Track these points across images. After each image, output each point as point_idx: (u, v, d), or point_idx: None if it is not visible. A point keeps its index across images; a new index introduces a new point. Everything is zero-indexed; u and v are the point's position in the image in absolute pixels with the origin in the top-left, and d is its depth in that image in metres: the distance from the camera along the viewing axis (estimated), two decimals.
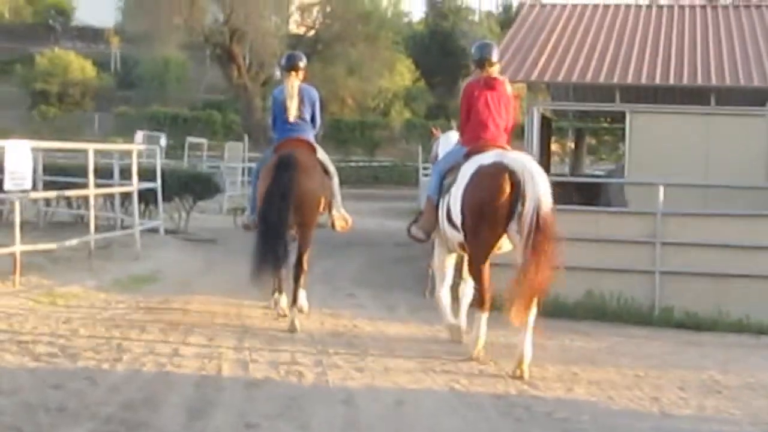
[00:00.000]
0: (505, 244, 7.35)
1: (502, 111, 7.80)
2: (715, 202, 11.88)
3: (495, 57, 8.00)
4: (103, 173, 13.31)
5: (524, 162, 7.09)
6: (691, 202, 11.56)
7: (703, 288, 10.55)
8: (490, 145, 7.59)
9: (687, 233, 10.67)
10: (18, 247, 9.68)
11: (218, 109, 43.65)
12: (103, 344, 7.18)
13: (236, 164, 26.76)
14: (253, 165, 11.69)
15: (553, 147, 25.32)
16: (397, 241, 13.00)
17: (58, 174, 14.56)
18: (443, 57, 45.96)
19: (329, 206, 8.93)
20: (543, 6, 18.25)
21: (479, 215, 7.14)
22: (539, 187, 6.87)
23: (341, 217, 9.05)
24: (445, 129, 11.60)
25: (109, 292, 9.73)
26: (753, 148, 13.24)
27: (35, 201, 13.84)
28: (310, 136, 8.83)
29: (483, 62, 7.91)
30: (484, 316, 7.34)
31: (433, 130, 12.58)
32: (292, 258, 8.41)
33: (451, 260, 8.28)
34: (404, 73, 46.28)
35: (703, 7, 18.05)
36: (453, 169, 7.71)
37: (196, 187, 16.38)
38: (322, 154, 8.88)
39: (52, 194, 13.01)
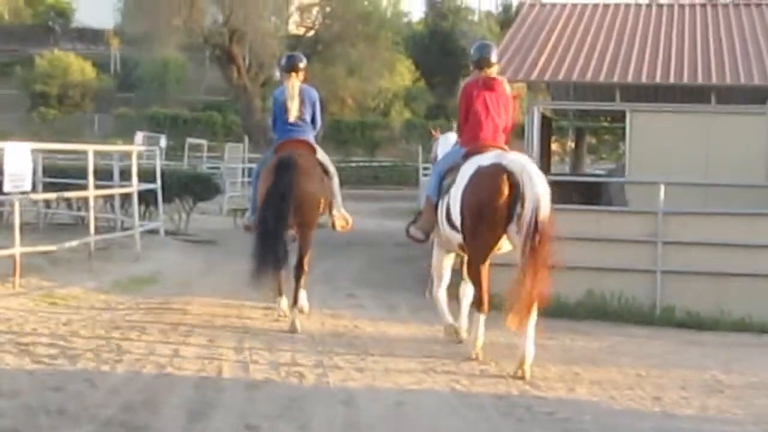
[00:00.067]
0: (504, 245, 7.34)
1: (501, 111, 7.79)
2: (716, 201, 11.85)
3: (494, 58, 8.00)
4: (103, 174, 13.30)
5: (523, 163, 7.09)
6: (691, 201, 11.54)
7: (705, 287, 10.53)
8: (489, 146, 7.58)
9: (688, 232, 10.65)
10: (18, 249, 9.67)
11: (218, 110, 43.66)
12: (103, 346, 7.16)
13: (236, 165, 26.73)
14: (254, 166, 11.68)
15: (554, 146, 25.32)
16: (398, 241, 12.97)
17: (58, 175, 14.57)
18: (443, 57, 45.94)
19: (330, 207, 8.93)
20: (543, 5, 18.21)
21: (478, 216, 7.13)
22: (538, 189, 6.86)
23: (342, 217, 9.07)
24: (445, 129, 11.61)
25: (109, 294, 9.72)
26: (754, 147, 13.22)
27: (35, 202, 13.84)
28: (310, 136, 8.84)
29: (482, 63, 7.90)
30: (483, 317, 7.34)
31: (432, 132, 12.59)
32: (292, 259, 8.41)
33: (449, 260, 8.30)
34: (404, 74, 46.30)
35: (703, 5, 18.00)
36: (452, 170, 7.70)
37: (196, 188, 16.38)
38: (322, 154, 8.88)
39: (52, 196, 13.00)
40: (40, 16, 53.18)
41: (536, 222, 6.74)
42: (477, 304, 7.41)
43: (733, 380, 7.28)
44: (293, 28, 45.07)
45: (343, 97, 43.64)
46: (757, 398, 6.72)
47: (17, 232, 9.72)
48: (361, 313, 9.56)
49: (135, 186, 12.80)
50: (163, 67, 43.62)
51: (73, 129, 39.02)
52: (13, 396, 5.66)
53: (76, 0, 52.47)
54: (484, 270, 7.32)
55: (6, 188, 9.85)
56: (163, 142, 26.34)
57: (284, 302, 8.79)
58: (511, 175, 6.98)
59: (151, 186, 14.14)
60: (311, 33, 44.18)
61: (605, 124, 24.93)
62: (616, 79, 14.67)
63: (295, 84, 8.79)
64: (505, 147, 7.70)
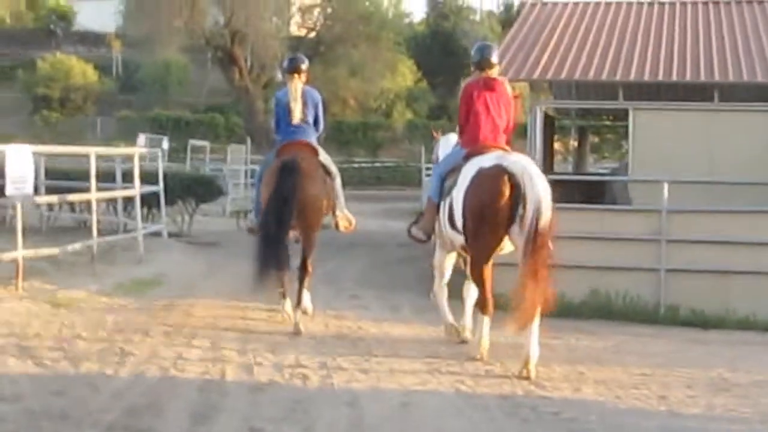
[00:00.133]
0: (507, 246, 7.32)
1: (501, 112, 7.77)
2: (720, 199, 11.81)
3: (495, 58, 7.99)
4: (106, 177, 13.29)
5: (524, 164, 7.08)
6: (695, 199, 11.50)
7: (709, 285, 10.50)
8: (490, 147, 7.56)
9: (692, 230, 10.62)
10: (20, 252, 9.65)
11: (220, 111, 43.66)
12: (106, 349, 7.14)
13: (239, 167, 26.73)
14: (256, 167, 11.68)
15: (556, 145, 25.27)
16: (400, 241, 12.93)
17: (60, 178, 14.56)
18: (445, 57, 45.91)
19: (333, 208, 8.93)
20: (544, 4, 18.18)
21: (480, 218, 7.11)
22: (539, 189, 6.84)
23: (345, 217, 9.07)
24: (447, 130, 11.59)
25: (111, 296, 9.69)
26: (757, 144, 13.15)
27: (38, 206, 13.82)
28: (312, 138, 8.86)
29: (483, 64, 7.89)
30: (487, 319, 7.32)
31: (434, 133, 12.57)
32: (295, 261, 8.39)
33: (450, 261, 8.29)
34: (406, 74, 46.30)
35: (705, 2, 17.94)
36: (453, 171, 7.69)
37: (198, 190, 16.37)
38: (324, 156, 8.88)
39: (54, 199, 12.98)
40: (41, 19, 53.28)
41: (538, 223, 6.73)
42: (481, 306, 7.40)
43: (739, 378, 7.25)
44: (295, 30, 45.09)
45: (345, 98, 43.65)
46: (763, 397, 6.69)
47: (20, 235, 9.69)
48: (364, 314, 9.54)
49: (137, 188, 12.78)
50: (164, 69, 43.68)
51: (76, 132, 39.04)
52: (16, 400, 5.64)
53: (78, 3, 52.55)
54: (487, 271, 7.31)
55: (8, 191, 9.82)
56: (165, 144, 26.36)
57: (288, 304, 8.77)
58: (512, 176, 6.97)
59: (153, 188, 14.12)
60: (313, 34, 44.18)
61: (608, 122, 24.86)
62: (618, 77, 14.64)
63: (297, 86, 8.80)
64: (506, 148, 7.69)
